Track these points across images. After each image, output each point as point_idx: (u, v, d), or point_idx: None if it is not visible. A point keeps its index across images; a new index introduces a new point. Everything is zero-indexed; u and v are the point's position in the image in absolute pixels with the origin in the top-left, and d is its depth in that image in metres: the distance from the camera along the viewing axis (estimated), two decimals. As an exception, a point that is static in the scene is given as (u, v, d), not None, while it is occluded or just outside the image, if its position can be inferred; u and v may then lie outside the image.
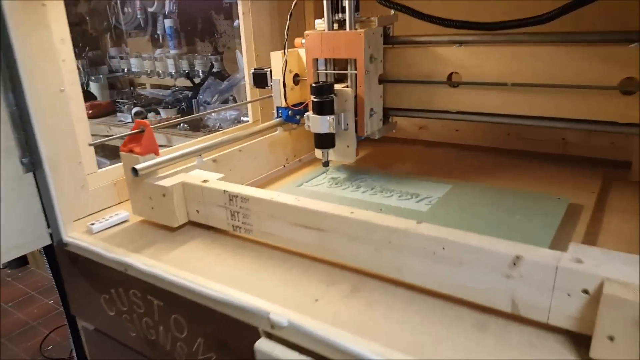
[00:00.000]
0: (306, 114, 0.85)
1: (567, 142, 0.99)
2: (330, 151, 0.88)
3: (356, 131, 0.85)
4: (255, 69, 1.01)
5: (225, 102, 1.57)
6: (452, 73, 0.83)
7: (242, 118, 1.40)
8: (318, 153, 0.90)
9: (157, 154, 0.72)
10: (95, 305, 0.71)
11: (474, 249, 0.48)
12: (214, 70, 1.81)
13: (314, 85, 0.81)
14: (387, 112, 0.91)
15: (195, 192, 0.69)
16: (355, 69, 0.83)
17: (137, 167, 0.67)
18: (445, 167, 0.97)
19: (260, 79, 1.00)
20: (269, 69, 0.98)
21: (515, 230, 0.65)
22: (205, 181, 0.69)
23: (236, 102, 1.54)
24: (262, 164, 0.93)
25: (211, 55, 1.87)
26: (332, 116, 0.81)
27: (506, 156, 1.01)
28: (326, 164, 0.87)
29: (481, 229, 0.59)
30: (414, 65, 0.86)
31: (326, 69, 0.87)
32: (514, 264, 0.47)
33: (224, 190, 0.66)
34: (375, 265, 0.56)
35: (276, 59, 0.93)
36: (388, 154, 1.09)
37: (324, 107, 0.82)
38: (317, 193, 0.82)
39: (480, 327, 0.49)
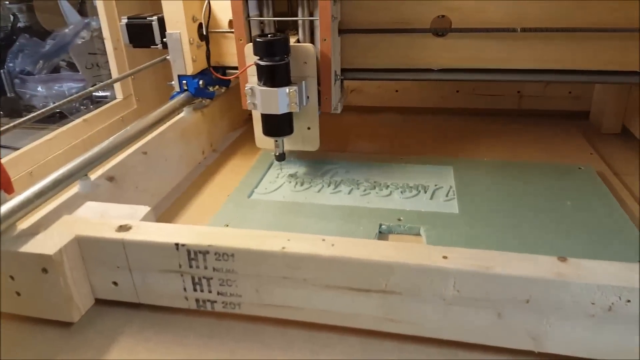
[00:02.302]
0: (248, 86, 0.57)
1: (523, 96, 0.89)
2: (286, 140, 0.62)
3: (319, 108, 0.61)
4: (130, 18, 0.67)
5: (56, 69, 1.12)
6: (437, 17, 0.63)
7: (97, 93, 1.00)
8: (264, 143, 0.63)
9: (9, 189, 0.38)
10: None
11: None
12: (20, 24, 1.31)
13: (259, 40, 0.54)
14: (344, 75, 0.68)
15: (109, 252, 0.38)
16: (310, 14, 0.58)
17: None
18: (413, 139, 0.79)
19: (142, 34, 0.67)
20: (156, 17, 0.65)
21: (587, 224, 0.50)
22: (123, 228, 0.39)
23: (74, 68, 1.11)
24: (174, 168, 0.62)
25: (10, 3, 1.34)
26: (294, 87, 0.55)
27: (464, 117, 0.88)
28: (281, 157, 0.61)
29: (546, 231, 0.49)
30: (383, 9, 0.63)
31: (262, 14, 0.59)
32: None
33: (177, 245, 0.37)
34: (491, 337, 0.35)
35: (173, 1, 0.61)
36: (324, 128, 0.86)
37: (278, 75, 0.55)
38: (284, 204, 0.57)
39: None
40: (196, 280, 0.38)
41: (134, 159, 0.53)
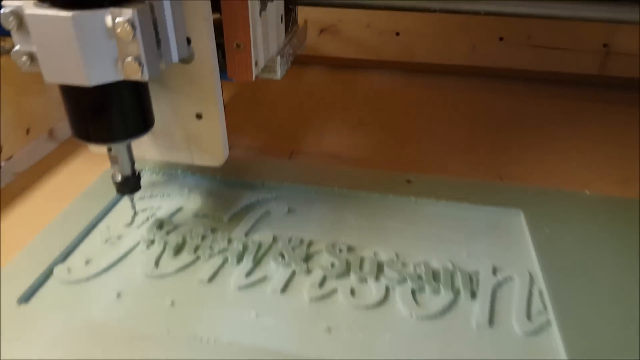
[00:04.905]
0: (7, 6, 0.21)
1: (610, 53, 0.55)
2: (147, 140, 0.27)
3: (223, 69, 0.26)
4: None
5: None
6: None
7: None
8: (96, 148, 0.28)
9: None
10: None
11: None
12: None
13: None
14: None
15: None
16: None
17: None
18: (429, 128, 0.44)
19: None
20: None
21: None
22: None
23: None
24: None
25: None
26: (130, 10, 0.20)
27: (509, 85, 0.54)
28: (128, 185, 0.27)
29: None
30: None
31: None
32: None
33: None
34: None
35: None
36: (252, 98, 0.51)
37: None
38: (104, 330, 0.23)
39: None
40: None
41: None
